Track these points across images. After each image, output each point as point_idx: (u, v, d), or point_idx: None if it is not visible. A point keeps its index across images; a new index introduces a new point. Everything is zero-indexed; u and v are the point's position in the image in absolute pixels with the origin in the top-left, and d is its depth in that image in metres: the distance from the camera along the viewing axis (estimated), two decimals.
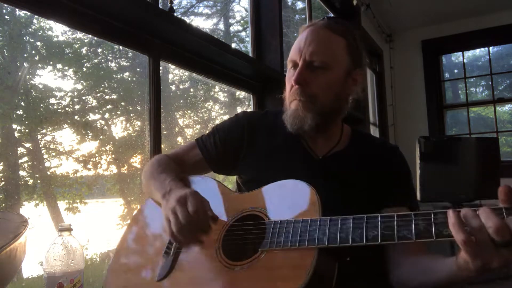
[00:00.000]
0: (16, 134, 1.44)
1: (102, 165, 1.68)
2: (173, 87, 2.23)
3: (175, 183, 0.96)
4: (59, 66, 1.53)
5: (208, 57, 1.92)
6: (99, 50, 1.75)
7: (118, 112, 1.79)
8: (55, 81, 1.50)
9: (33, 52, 1.52)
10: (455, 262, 0.71)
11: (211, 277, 0.86)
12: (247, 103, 2.59)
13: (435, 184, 2.53)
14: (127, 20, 1.51)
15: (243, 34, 2.81)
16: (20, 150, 1.47)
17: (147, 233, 1.08)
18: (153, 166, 1.09)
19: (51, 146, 1.54)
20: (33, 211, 1.42)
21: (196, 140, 1.19)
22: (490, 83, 4.39)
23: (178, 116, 2.23)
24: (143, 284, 0.95)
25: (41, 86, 1.48)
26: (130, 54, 1.85)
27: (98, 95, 1.71)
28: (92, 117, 1.67)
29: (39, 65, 1.49)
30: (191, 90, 2.36)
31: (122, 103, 1.85)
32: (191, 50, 1.83)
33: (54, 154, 1.54)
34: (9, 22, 1.39)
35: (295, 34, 3.09)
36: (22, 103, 1.44)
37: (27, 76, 1.43)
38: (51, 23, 1.50)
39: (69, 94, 1.56)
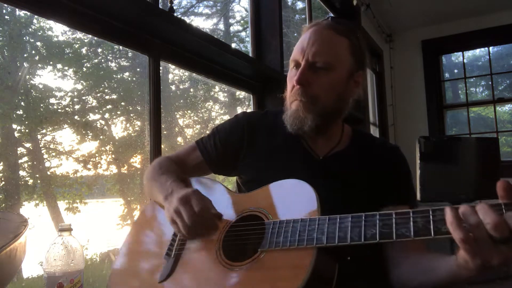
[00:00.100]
0: (16, 134, 1.44)
1: (102, 165, 1.68)
2: (173, 87, 2.23)
3: (177, 184, 0.97)
4: (59, 66, 1.53)
5: (208, 57, 1.92)
6: (99, 50, 1.75)
7: (118, 112, 1.79)
8: (55, 81, 1.50)
9: (33, 52, 1.52)
10: (455, 261, 0.70)
11: (211, 277, 0.86)
12: (247, 103, 2.59)
13: (435, 184, 2.53)
14: (127, 20, 1.51)
15: (243, 34, 2.81)
16: (20, 150, 1.47)
17: (149, 235, 1.09)
18: (154, 169, 1.10)
19: (51, 146, 1.54)
20: (33, 211, 1.42)
21: (197, 142, 1.19)
22: (490, 83, 4.39)
23: (178, 116, 2.23)
24: (146, 286, 0.96)
25: (41, 86, 1.48)
26: (130, 54, 1.85)
27: (98, 95, 1.71)
28: (92, 117, 1.67)
29: (39, 65, 1.49)
30: (191, 90, 2.36)
31: (122, 103, 1.85)
32: (191, 50, 1.83)
33: (54, 154, 1.54)
34: (9, 22, 1.39)
35: (295, 34, 3.09)
36: (22, 103, 1.44)
37: (27, 76, 1.43)
38: (51, 23, 1.50)
39: (69, 94, 1.57)
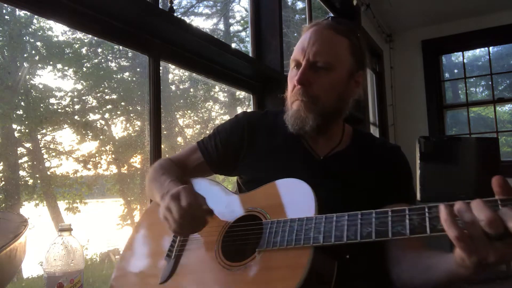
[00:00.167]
0: (16, 134, 1.44)
1: (102, 165, 1.68)
2: (173, 87, 2.23)
3: (174, 184, 0.97)
4: (59, 66, 1.53)
5: (208, 57, 1.92)
6: (99, 50, 1.75)
7: (118, 112, 1.79)
8: (55, 81, 1.50)
9: (33, 52, 1.52)
10: (453, 259, 0.69)
11: (210, 278, 0.87)
12: (247, 103, 2.59)
13: (435, 184, 2.53)
14: (127, 20, 1.51)
15: (243, 34, 2.81)
16: (20, 150, 1.47)
17: (150, 236, 1.10)
18: (156, 170, 1.11)
19: (51, 146, 1.54)
20: (33, 211, 1.42)
21: (198, 143, 1.19)
22: (490, 83, 4.39)
23: (178, 116, 2.23)
24: (147, 287, 0.97)
25: (41, 86, 1.48)
26: (130, 54, 1.85)
27: (98, 95, 1.71)
28: (92, 117, 1.67)
29: (39, 65, 1.49)
30: (191, 90, 2.36)
31: (122, 103, 1.85)
32: (191, 50, 1.83)
33: (54, 154, 1.54)
34: (9, 22, 1.39)
35: (295, 34, 3.09)
36: (22, 103, 1.44)
37: (27, 76, 1.43)
38: (51, 23, 1.50)
39: (69, 94, 1.56)
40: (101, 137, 1.72)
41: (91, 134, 1.63)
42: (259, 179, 0.97)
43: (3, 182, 1.34)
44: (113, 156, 1.76)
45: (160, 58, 1.68)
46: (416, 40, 4.58)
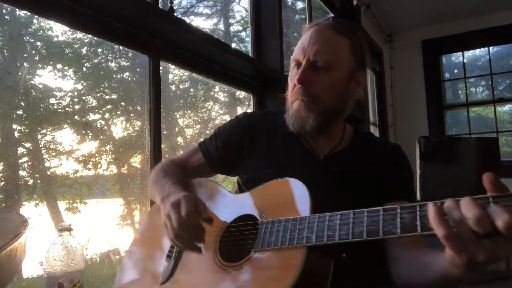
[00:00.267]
0: (16, 134, 1.44)
1: (102, 165, 1.68)
2: (173, 87, 2.23)
3: (175, 187, 0.97)
4: (59, 66, 1.53)
5: (208, 57, 1.92)
6: (99, 50, 1.75)
7: (118, 112, 1.79)
8: (55, 81, 1.50)
9: (33, 52, 1.52)
10: (446, 257, 0.67)
11: (208, 279, 0.87)
12: (247, 103, 2.59)
13: (435, 184, 2.53)
14: (127, 20, 1.51)
15: (243, 34, 2.81)
16: (20, 150, 1.47)
17: (152, 238, 1.10)
18: (157, 172, 1.11)
19: (51, 146, 1.54)
20: (33, 211, 1.42)
21: (199, 144, 1.21)
22: (490, 83, 4.39)
23: (178, 116, 2.23)
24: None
25: (41, 86, 1.48)
26: (130, 54, 1.85)
27: (98, 95, 1.71)
28: (92, 117, 1.67)
29: (39, 65, 1.49)
30: (191, 90, 2.36)
31: (122, 103, 1.85)
32: (191, 50, 1.83)
33: (54, 154, 1.54)
34: (9, 22, 1.39)
35: (295, 34, 3.09)
36: (22, 103, 1.44)
37: (27, 76, 1.43)
38: (51, 23, 1.50)
39: (69, 94, 1.56)
40: (101, 137, 1.71)
41: (91, 134, 1.63)
42: (259, 179, 0.97)
43: (3, 182, 1.34)
44: (113, 156, 1.76)
45: (160, 58, 1.68)
46: (416, 40, 4.58)
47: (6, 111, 1.35)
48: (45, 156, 1.53)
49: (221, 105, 2.60)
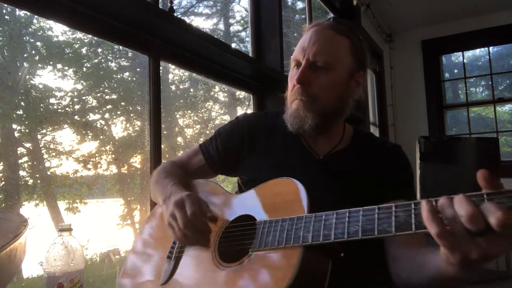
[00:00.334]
0: (16, 134, 1.44)
1: (102, 165, 1.68)
2: (173, 87, 2.23)
3: (176, 187, 0.98)
4: (59, 66, 1.53)
5: (208, 57, 1.92)
6: (99, 50, 1.75)
7: (118, 112, 1.79)
8: (55, 81, 1.50)
9: (33, 52, 1.52)
10: (441, 256, 0.66)
11: (206, 279, 0.87)
12: (247, 103, 2.59)
13: (435, 184, 2.53)
14: (127, 20, 1.51)
15: (243, 34, 2.81)
16: (20, 150, 1.47)
17: (154, 238, 1.11)
18: (159, 173, 1.12)
19: (51, 146, 1.54)
20: (33, 211, 1.42)
21: (200, 145, 1.21)
22: (490, 83, 4.39)
23: (178, 116, 2.22)
24: None
25: (41, 86, 1.48)
26: (130, 54, 1.85)
27: (98, 95, 1.71)
28: (92, 117, 1.67)
29: (39, 65, 1.49)
30: (191, 90, 2.36)
31: (122, 103, 1.85)
32: (191, 50, 1.83)
33: (54, 154, 1.54)
34: (9, 22, 1.39)
35: (295, 34, 3.09)
36: (22, 103, 1.44)
37: (27, 76, 1.43)
38: (51, 23, 1.50)
39: (69, 94, 1.56)
40: (101, 137, 1.71)
41: (91, 134, 1.63)
42: (259, 179, 0.97)
43: (3, 182, 1.34)
44: (113, 156, 1.76)
45: (160, 58, 1.68)
46: (416, 40, 4.58)
47: (6, 111, 1.35)
48: (45, 156, 1.53)
49: (221, 105, 2.60)
